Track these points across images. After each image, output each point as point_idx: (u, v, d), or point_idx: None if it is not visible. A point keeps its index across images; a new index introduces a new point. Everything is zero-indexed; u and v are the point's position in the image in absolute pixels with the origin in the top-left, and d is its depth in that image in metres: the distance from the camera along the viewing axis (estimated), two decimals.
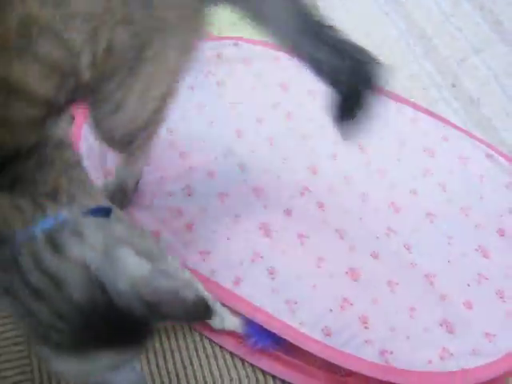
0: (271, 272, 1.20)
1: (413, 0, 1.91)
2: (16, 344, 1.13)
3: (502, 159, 1.46)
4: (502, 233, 1.33)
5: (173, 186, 1.32)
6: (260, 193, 1.33)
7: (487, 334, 1.18)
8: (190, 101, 1.46)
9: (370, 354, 1.12)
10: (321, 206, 1.32)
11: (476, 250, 1.29)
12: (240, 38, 1.61)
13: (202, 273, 1.18)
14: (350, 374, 1.13)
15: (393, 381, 1.09)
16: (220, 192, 1.32)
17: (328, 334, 1.14)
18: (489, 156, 1.46)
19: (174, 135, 1.39)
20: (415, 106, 1.55)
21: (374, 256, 1.26)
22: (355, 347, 1.13)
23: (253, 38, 1.61)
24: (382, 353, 1.12)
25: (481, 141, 1.50)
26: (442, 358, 1.13)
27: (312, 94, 1.49)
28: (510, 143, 1.60)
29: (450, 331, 1.18)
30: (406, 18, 1.87)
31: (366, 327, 1.16)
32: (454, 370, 1.11)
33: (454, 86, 1.72)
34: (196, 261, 1.20)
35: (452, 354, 1.13)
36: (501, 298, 1.23)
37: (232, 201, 1.31)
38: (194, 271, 1.17)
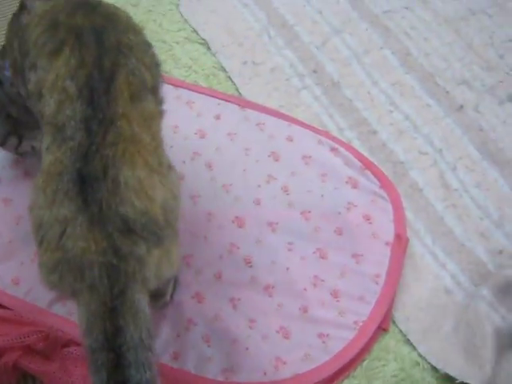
0: None
1: None
2: None
3: (346, 152, 1.49)
4: (339, 232, 1.37)
5: None
6: None
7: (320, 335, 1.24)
8: None
9: None
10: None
11: (314, 252, 1.35)
12: None
13: None
14: None
15: None
16: None
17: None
18: (333, 150, 1.49)
19: None
20: (262, 110, 1.58)
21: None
22: None
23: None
24: None
25: (326, 135, 1.53)
26: None
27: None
28: (370, 122, 1.61)
29: None
30: (266, 7, 1.86)
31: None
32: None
33: (315, 71, 1.72)
34: None
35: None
36: (335, 298, 1.29)
37: None
38: None
